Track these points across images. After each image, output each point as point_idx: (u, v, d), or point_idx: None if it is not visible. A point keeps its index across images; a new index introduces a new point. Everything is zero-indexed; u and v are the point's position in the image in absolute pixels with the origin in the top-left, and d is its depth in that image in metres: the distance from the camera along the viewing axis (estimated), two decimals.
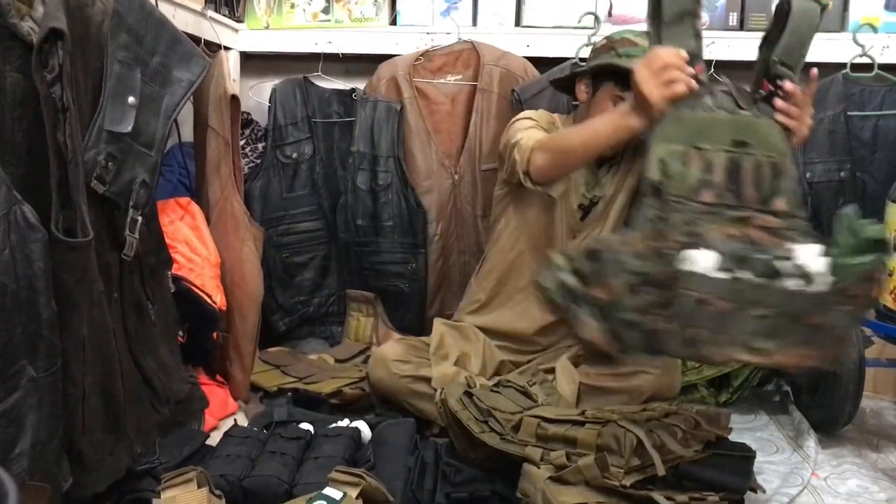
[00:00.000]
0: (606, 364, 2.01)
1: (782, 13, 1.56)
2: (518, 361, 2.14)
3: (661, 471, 1.49)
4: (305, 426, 1.82)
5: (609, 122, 1.69)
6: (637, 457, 1.52)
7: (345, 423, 1.85)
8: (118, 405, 1.54)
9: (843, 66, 2.53)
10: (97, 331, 1.44)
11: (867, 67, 2.50)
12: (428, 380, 1.97)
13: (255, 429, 1.83)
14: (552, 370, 2.02)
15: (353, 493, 1.42)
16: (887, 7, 2.56)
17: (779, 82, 1.55)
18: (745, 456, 1.64)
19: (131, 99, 1.54)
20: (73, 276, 1.34)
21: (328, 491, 1.42)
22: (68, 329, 1.35)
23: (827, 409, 2.07)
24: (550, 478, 1.48)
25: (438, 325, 2.17)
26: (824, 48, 2.56)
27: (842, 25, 2.59)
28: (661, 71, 1.47)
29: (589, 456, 1.51)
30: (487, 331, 2.17)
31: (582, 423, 1.61)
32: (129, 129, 1.53)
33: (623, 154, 2.10)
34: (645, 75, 1.48)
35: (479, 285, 2.23)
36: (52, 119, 1.31)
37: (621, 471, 1.48)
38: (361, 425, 1.83)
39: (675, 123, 1.44)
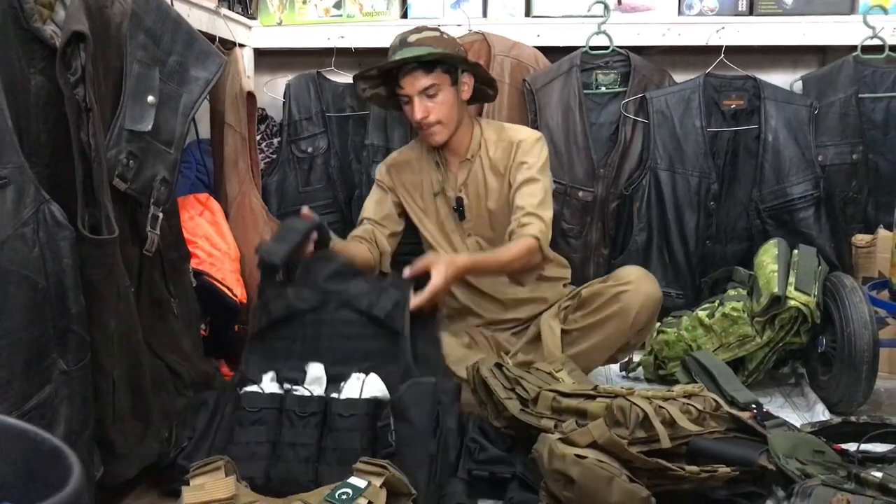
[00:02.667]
0: (585, 307, 2.08)
1: None
2: (507, 337, 2.20)
3: (665, 443, 1.52)
4: (317, 392, 1.73)
5: None
6: (643, 430, 1.55)
7: (356, 381, 1.74)
8: (145, 395, 1.58)
9: (854, 48, 2.54)
10: (124, 324, 1.48)
11: (878, 49, 2.51)
12: None
13: (266, 390, 1.73)
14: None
15: (378, 482, 1.46)
16: None
17: None
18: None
19: (150, 98, 1.58)
20: (100, 273, 1.38)
21: (353, 480, 1.46)
22: (97, 323, 1.39)
23: (842, 390, 2.09)
24: (560, 439, 1.52)
25: None
26: (834, 31, 2.58)
27: (852, 8, 2.59)
28: None
29: (599, 420, 1.54)
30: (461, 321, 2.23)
31: (594, 397, 1.65)
32: (149, 127, 1.57)
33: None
34: None
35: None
36: (76, 119, 1.35)
37: (625, 440, 1.51)
38: (375, 385, 1.73)
39: None
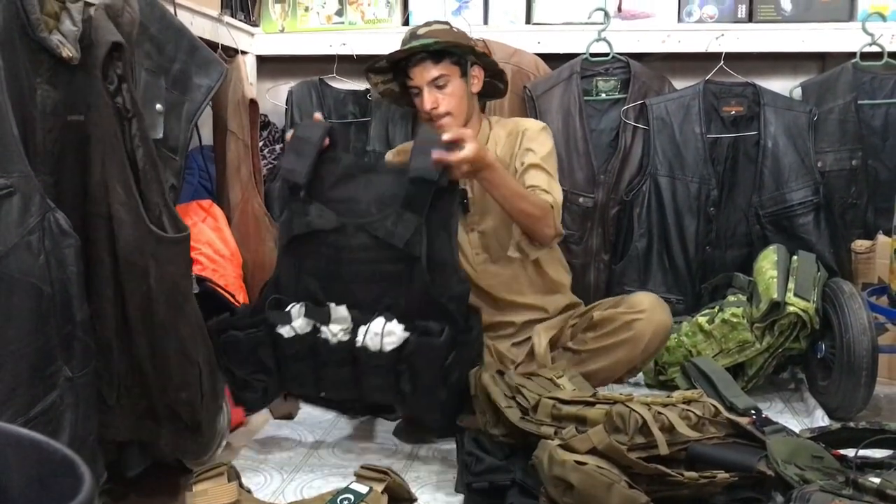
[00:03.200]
0: (597, 329, 2.08)
1: None
2: (507, 347, 2.19)
3: (663, 449, 1.53)
4: (342, 329, 1.84)
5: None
6: (642, 436, 1.56)
7: (376, 331, 1.82)
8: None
9: (853, 55, 2.55)
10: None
11: (877, 56, 2.52)
12: None
13: (298, 331, 1.86)
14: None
15: (379, 488, 1.47)
16: None
17: None
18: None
19: (158, 106, 1.60)
20: (180, 269, 1.46)
21: (355, 486, 1.47)
22: (188, 320, 1.54)
23: (841, 395, 2.10)
24: (560, 446, 1.53)
25: None
26: (833, 38, 2.59)
27: (851, 15, 2.61)
28: None
29: (598, 426, 1.56)
30: None
31: (593, 404, 1.66)
32: (161, 135, 1.59)
33: None
34: None
35: None
36: (119, 127, 1.39)
37: (624, 447, 1.52)
38: (396, 336, 1.80)
39: None
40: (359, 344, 1.82)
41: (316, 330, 1.85)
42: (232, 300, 2.08)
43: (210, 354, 1.65)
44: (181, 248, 1.47)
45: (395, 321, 1.82)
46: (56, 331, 1.30)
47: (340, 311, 1.85)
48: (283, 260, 1.92)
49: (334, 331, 1.84)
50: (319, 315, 1.85)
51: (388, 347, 1.80)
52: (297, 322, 1.85)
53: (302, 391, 2.04)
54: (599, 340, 2.05)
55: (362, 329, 1.82)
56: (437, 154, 1.79)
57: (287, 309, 1.87)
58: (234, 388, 1.91)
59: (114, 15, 1.47)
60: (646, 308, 2.04)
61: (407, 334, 1.81)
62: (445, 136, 1.83)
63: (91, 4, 1.46)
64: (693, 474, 1.53)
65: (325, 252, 1.87)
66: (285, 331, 1.85)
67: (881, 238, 2.43)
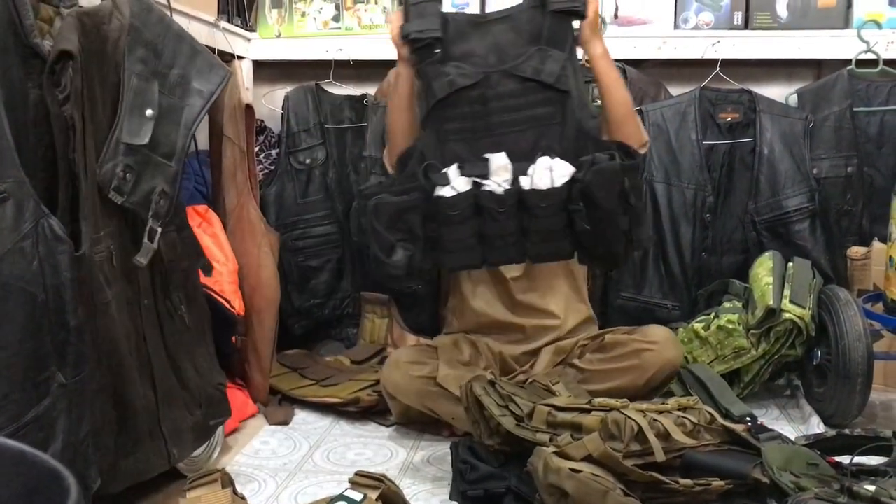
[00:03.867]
0: (606, 351, 2.08)
1: None
2: (513, 354, 2.17)
3: (659, 456, 1.53)
4: (505, 179, 1.87)
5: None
6: (638, 443, 1.56)
7: (545, 167, 1.85)
8: (136, 411, 1.57)
9: (849, 62, 2.55)
10: (102, 340, 1.48)
11: (872, 63, 2.53)
12: None
13: (458, 189, 1.88)
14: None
15: (374, 495, 1.47)
16: (891, 3, 2.58)
17: None
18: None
19: (149, 111, 1.59)
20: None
21: (349, 493, 1.47)
22: None
23: (837, 402, 2.10)
24: (555, 453, 1.53)
25: (438, 339, 2.21)
26: (829, 45, 2.60)
27: (846, 22, 2.61)
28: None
29: (594, 433, 1.55)
30: (470, 332, 2.21)
31: (589, 411, 1.65)
32: (147, 140, 1.57)
33: None
34: None
35: (447, 307, 2.30)
36: (63, 136, 1.37)
37: (620, 454, 1.52)
38: (564, 170, 1.84)
39: None
40: (527, 186, 1.82)
41: (477, 186, 1.85)
42: (228, 307, 2.07)
43: (126, 389, 1.54)
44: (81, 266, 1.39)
45: (557, 158, 1.83)
46: (50, 337, 1.30)
47: (499, 160, 1.85)
48: (425, 131, 1.91)
49: (498, 180, 1.83)
50: (479, 169, 1.85)
51: (560, 181, 1.81)
52: (457, 181, 1.84)
53: (461, 262, 1.95)
54: (606, 363, 2.05)
55: (529, 171, 1.82)
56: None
57: (443, 171, 1.86)
58: (381, 253, 1.87)
59: (98, 21, 1.46)
60: (658, 341, 2.04)
61: (573, 169, 1.82)
62: None
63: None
64: (688, 482, 1.53)
65: (471, 109, 1.87)
66: (446, 191, 1.84)
67: (877, 245, 2.44)
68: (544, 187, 1.82)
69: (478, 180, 1.86)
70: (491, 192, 1.85)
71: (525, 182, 1.85)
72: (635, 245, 1.90)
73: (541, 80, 1.85)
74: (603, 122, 2.04)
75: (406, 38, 1.91)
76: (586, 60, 2.09)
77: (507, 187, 1.85)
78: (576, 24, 1.94)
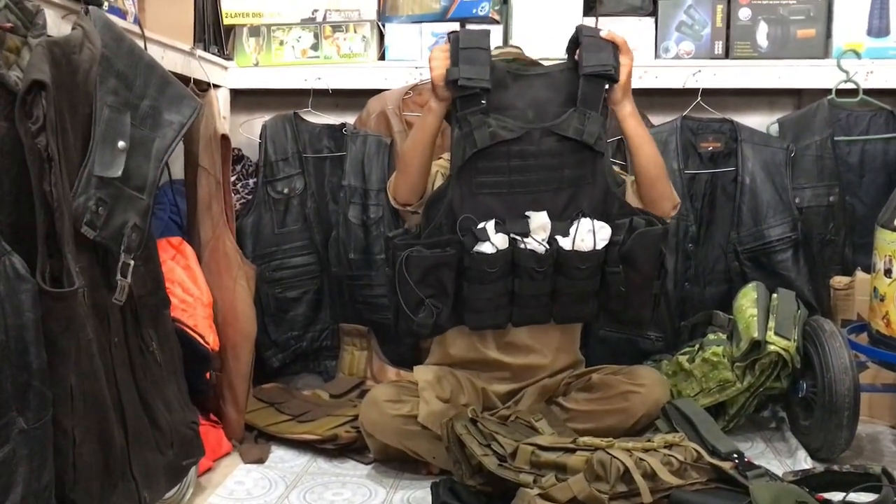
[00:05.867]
0: (593, 392, 2.04)
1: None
2: (497, 391, 2.12)
3: (646, 497, 1.50)
4: (542, 238, 1.89)
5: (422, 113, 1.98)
6: (624, 483, 1.52)
7: (587, 229, 1.88)
8: (115, 452, 1.52)
9: (829, 91, 2.56)
10: (87, 378, 1.42)
11: (852, 93, 2.53)
12: None
13: (497, 246, 1.87)
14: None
15: None
16: (870, 33, 2.58)
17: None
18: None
19: (121, 143, 1.55)
20: (59, 326, 1.33)
21: None
22: (56, 378, 1.33)
23: (823, 435, 2.07)
24: (540, 495, 1.49)
25: (419, 370, 2.15)
26: (809, 74, 2.61)
27: (826, 52, 2.62)
28: (429, 62, 1.87)
29: (579, 474, 1.52)
30: (455, 366, 2.15)
31: (573, 451, 1.62)
32: (119, 173, 1.53)
33: None
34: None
35: (429, 339, 2.24)
36: (38, 169, 1.31)
37: (606, 496, 1.48)
38: (605, 232, 1.87)
39: None
40: (568, 247, 1.82)
41: (514, 244, 1.84)
42: (202, 342, 2.02)
43: (105, 429, 1.48)
44: (65, 305, 1.33)
45: (598, 221, 1.85)
46: (10, 380, 1.24)
47: (541, 218, 1.84)
48: (457, 181, 1.86)
49: (539, 239, 1.83)
50: (518, 226, 1.83)
51: (601, 244, 1.83)
52: (497, 238, 1.82)
53: (488, 322, 1.94)
54: (592, 404, 2.02)
55: (571, 231, 1.83)
56: (608, 34, 1.86)
57: (480, 226, 1.83)
58: (407, 309, 1.83)
59: (68, 51, 1.42)
60: (646, 383, 2.02)
61: (610, 231, 1.84)
62: (604, 34, 1.87)
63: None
64: None
65: (509, 164, 1.85)
66: (486, 248, 1.82)
67: (861, 275, 2.42)
68: (587, 249, 1.82)
69: (516, 238, 1.84)
70: (532, 252, 1.84)
71: (565, 243, 1.84)
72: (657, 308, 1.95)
73: (583, 140, 1.84)
74: (632, 185, 2.05)
75: (452, 83, 1.84)
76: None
77: (547, 247, 1.84)
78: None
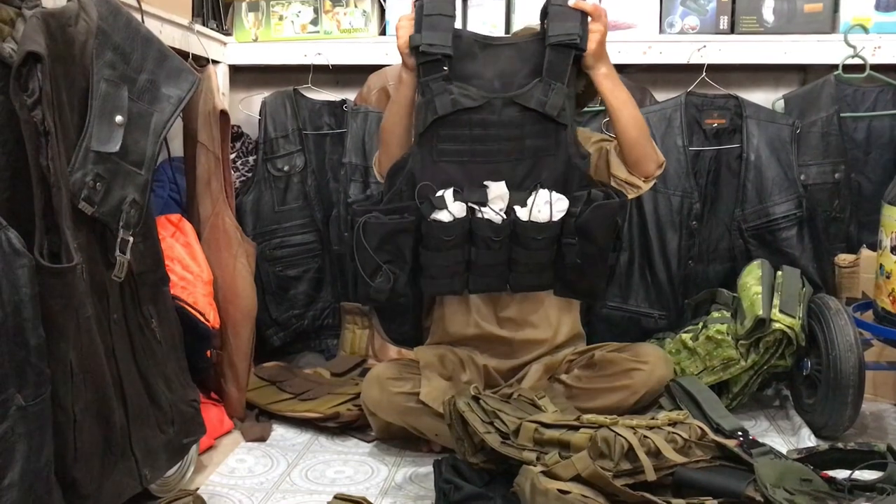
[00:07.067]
0: (596, 369, 2.03)
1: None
2: (499, 368, 2.11)
3: (650, 475, 1.49)
4: (500, 208, 1.87)
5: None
6: (628, 461, 1.51)
7: (544, 200, 1.86)
8: (116, 429, 1.51)
9: (835, 67, 2.52)
10: (86, 356, 1.41)
11: (859, 68, 2.50)
12: None
13: (455, 214, 1.87)
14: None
15: None
16: (878, 7, 2.54)
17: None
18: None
19: (119, 118, 1.52)
20: (58, 302, 1.31)
21: None
22: (55, 355, 1.32)
23: (827, 413, 2.06)
24: (543, 472, 1.48)
25: (420, 351, 2.13)
26: (816, 49, 2.57)
27: (833, 27, 2.58)
28: (395, 30, 1.87)
29: (583, 452, 1.51)
30: (455, 344, 2.14)
31: (577, 428, 1.60)
32: (117, 148, 1.50)
33: None
34: None
35: (431, 317, 2.22)
36: (34, 143, 1.29)
37: (610, 473, 1.47)
38: (562, 204, 1.86)
39: None
40: (524, 217, 1.82)
41: (471, 212, 1.84)
42: (202, 319, 2.01)
43: (105, 406, 1.47)
44: (64, 281, 1.32)
45: (555, 192, 1.84)
46: (8, 357, 1.22)
47: (499, 188, 1.83)
48: (419, 148, 1.86)
49: (496, 209, 1.82)
50: (476, 195, 1.83)
51: (558, 215, 1.82)
52: (455, 206, 1.82)
53: (444, 288, 1.96)
54: (595, 381, 2.00)
55: (528, 202, 1.82)
56: (576, 3, 1.81)
57: (438, 194, 1.83)
58: (365, 274, 1.84)
59: (63, 23, 1.39)
60: (650, 360, 2.00)
61: (567, 203, 1.84)
62: (572, 2, 1.83)
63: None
64: (680, 501, 1.49)
65: (470, 133, 1.84)
66: (443, 216, 1.82)
67: (866, 252, 2.40)
68: (543, 220, 1.82)
69: (474, 206, 1.84)
70: (489, 221, 1.83)
71: (523, 213, 1.84)
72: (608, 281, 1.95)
73: (545, 111, 1.83)
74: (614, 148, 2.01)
75: (415, 50, 1.84)
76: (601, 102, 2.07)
77: (504, 217, 1.83)
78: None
